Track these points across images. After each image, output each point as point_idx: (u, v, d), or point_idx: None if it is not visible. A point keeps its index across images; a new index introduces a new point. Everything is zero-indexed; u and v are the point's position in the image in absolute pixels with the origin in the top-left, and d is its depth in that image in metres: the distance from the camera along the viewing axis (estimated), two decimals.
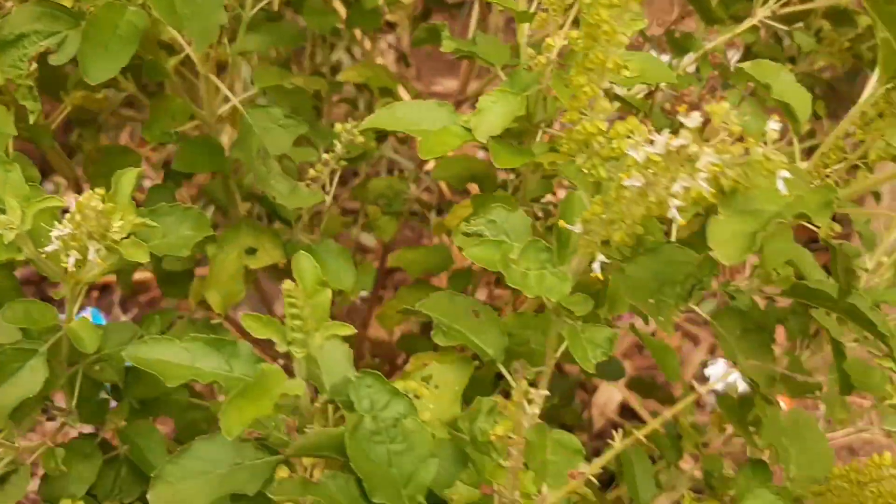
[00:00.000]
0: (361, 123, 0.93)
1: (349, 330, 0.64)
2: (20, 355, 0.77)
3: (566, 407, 1.76)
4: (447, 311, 0.87)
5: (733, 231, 0.58)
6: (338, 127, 1.06)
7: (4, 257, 0.68)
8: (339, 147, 1.08)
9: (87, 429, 0.96)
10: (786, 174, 0.57)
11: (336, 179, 1.24)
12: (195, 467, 0.72)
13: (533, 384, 0.72)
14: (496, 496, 0.65)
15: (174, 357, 0.68)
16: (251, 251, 1.13)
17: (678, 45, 1.12)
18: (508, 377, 0.83)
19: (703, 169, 0.53)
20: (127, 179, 0.74)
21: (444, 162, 1.39)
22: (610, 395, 2.14)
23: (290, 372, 0.68)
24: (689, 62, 1.10)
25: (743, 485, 0.84)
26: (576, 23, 0.93)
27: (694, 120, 0.52)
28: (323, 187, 1.20)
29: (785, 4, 1.06)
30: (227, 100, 1.06)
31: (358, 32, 1.50)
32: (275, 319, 0.64)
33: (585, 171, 0.63)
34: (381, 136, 1.67)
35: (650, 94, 1.00)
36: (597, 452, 0.83)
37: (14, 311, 0.75)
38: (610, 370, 1.75)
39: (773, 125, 0.58)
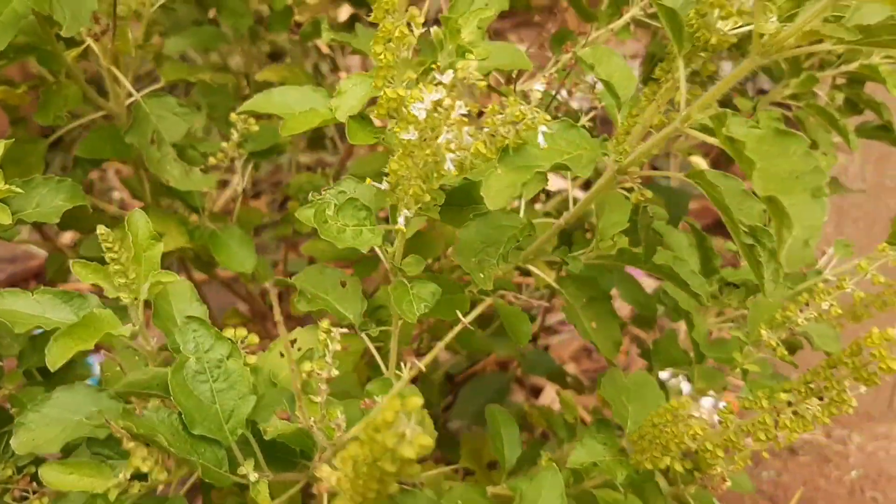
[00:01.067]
0: (241, 107, 1.00)
1: (173, 277, 0.70)
2: None
3: (503, 400, 1.83)
4: (317, 282, 0.94)
5: (504, 183, 0.65)
6: (232, 116, 1.14)
7: None
8: (235, 135, 1.15)
9: None
10: (545, 129, 0.63)
11: (248, 171, 1.32)
12: (54, 414, 0.78)
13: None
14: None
15: (25, 307, 0.75)
16: (159, 236, 1.20)
17: (556, 41, 1.19)
18: (364, 337, 0.90)
19: (459, 120, 0.60)
20: None
21: (361, 160, 1.46)
22: (554, 397, 2.19)
23: None
24: (566, 58, 1.17)
25: (583, 439, 0.89)
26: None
27: (447, 76, 0.59)
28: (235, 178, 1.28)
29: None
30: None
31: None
32: (102, 267, 0.70)
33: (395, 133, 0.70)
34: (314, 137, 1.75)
35: (511, 80, 1.07)
36: None
37: None
38: (540, 364, 1.82)
39: (538, 86, 0.65)
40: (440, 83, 0.60)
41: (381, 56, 0.69)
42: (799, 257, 0.53)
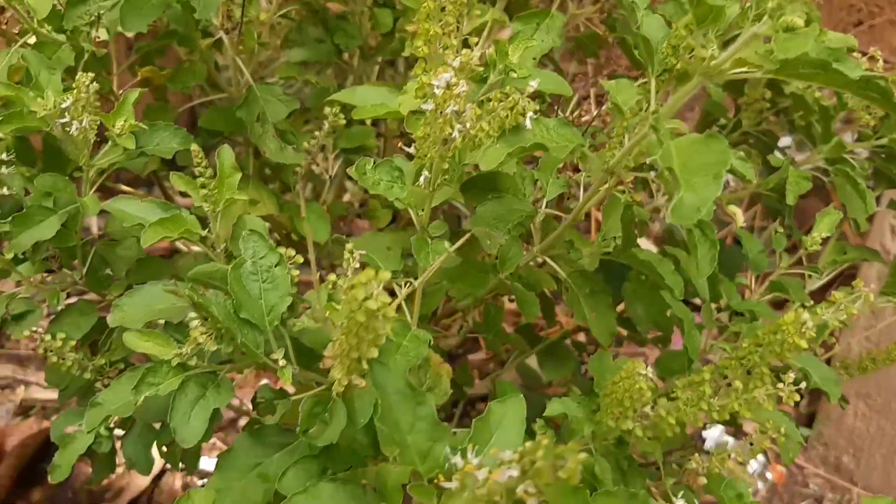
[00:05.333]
0: (330, 96, 1.22)
1: (244, 196, 0.92)
2: (43, 212, 1.06)
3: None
4: (369, 246, 1.14)
5: (498, 153, 0.83)
6: (325, 109, 1.36)
7: (38, 126, 0.99)
8: (326, 125, 1.38)
9: None
10: (531, 115, 0.82)
11: (338, 162, 1.55)
12: (140, 301, 1.00)
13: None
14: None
15: (134, 210, 0.98)
16: (254, 202, 1.43)
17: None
18: (395, 287, 1.09)
19: (464, 95, 0.79)
20: (130, 97, 1.05)
21: None
22: None
23: None
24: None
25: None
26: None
27: (457, 62, 0.79)
28: (326, 169, 1.51)
29: None
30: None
31: None
32: (196, 181, 0.93)
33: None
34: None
35: (555, 102, 1.26)
36: None
37: (43, 180, 1.06)
38: None
39: (533, 83, 0.84)
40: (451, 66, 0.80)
41: (420, 49, 0.89)
42: (688, 215, 0.69)
